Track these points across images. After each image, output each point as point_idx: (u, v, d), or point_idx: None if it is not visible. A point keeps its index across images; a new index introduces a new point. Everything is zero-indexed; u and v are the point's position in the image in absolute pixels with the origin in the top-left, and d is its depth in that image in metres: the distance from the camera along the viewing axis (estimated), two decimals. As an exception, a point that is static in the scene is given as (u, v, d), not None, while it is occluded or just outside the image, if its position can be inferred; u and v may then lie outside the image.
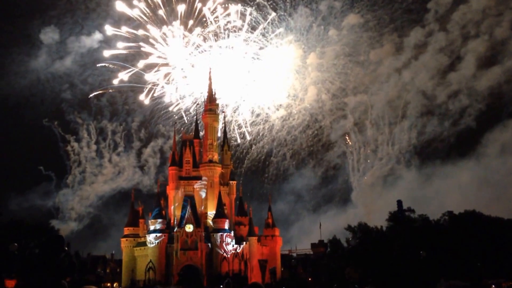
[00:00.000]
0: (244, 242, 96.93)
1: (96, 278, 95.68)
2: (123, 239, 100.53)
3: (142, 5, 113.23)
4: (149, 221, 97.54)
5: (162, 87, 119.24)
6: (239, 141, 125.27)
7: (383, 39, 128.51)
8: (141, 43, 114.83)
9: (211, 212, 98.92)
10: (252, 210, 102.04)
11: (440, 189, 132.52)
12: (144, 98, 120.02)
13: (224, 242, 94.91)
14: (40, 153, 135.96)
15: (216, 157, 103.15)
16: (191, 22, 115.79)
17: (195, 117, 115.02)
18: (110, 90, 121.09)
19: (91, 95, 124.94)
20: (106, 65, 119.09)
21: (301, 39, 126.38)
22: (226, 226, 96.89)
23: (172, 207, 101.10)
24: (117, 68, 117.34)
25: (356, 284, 65.92)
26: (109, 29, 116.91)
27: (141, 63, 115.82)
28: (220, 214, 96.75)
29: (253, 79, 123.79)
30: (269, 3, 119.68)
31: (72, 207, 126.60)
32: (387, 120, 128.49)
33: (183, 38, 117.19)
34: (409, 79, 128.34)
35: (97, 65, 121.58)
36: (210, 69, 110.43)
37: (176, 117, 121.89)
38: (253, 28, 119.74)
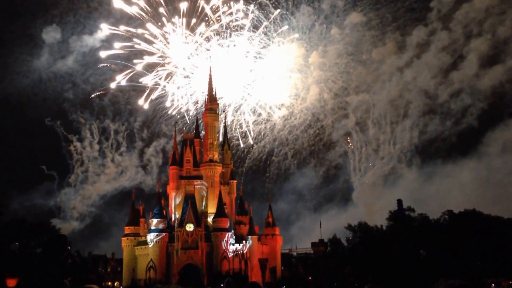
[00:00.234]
0: (245, 241, 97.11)
1: (97, 277, 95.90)
2: (124, 238, 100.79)
3: (143, 3, 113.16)
4: (150, 220, 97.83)
5: (164, 86, 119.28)
6: (240, 140, 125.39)
7: (385, 37, 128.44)
8: (143, 42, 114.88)
9: (212, 211, 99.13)
10: (252, 209, 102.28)
11: (441, 188, 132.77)
12: (143, 103, 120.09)
13: (225, 241, 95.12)
14: (43, 153, 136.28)
15: (216, 156, 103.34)
16: (193, 21, 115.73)
17: (195, 116, 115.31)
18: (111, 91, 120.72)
19: (92, 95, 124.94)
20: (107, 65, 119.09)
21: (303, 37, 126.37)
22: (227, 225, 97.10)
23: (173, 206, 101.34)
24: (119, 68, 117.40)
25: (356, 283, 66.09)
26: (108, 28, 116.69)
27: (142, 63, 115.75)
28: (220, 213, 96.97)
29: (255, 78, 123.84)
30: (271, 1, 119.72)
31: (73, 207, 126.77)
32: (389, 119, 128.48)
33: (185, 38, 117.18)
34: (411, 78, 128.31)
35: (99, 66, 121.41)
36: (211, 68, 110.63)
37: (178, 116, 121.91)
38: (255, 27, 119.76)
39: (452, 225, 70.45)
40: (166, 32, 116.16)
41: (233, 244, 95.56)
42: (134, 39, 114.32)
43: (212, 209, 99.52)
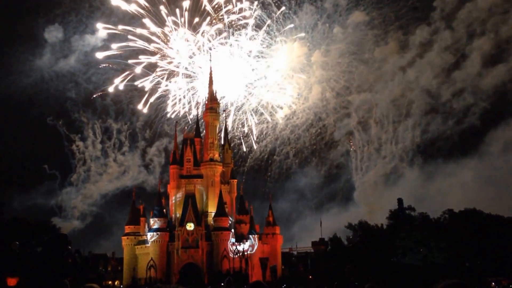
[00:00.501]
0: (245, 240, 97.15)
1: (98, 276, 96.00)
2: (124, 237, 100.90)
3: (144, 1, 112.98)
4: (150, 220, 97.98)
5: (166, 85, 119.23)
6: (242, 139, 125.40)
7: (388, 37, 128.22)
8: (144, 42, 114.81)
9: (212, 211, 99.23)
10: (254, 208, 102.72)
11: (442, 188, 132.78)
12: (142, 107, 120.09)
13: (225, 241, 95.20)
14: (44, 152, 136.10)
15: (217, 156, 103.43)
16: (195, 20, 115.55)
17: (196, 116, 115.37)
18: (111, 91, 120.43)
19: (94, 95, 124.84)
20: (108, 65, 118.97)
21: (305, 37, 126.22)
22: (227, 225, 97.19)
23: (173, 206, 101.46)
24: (121, 67, 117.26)
25: (356, 282, 66.14)
26: (103, 28, 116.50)
27: (143, 63, 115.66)
28: (221, 212, 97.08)
29: (257, 77, 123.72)
30: (274, 1, 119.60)
31: (74, 206, 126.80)
32: (391, 119, 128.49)
33: (187, 37, 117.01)
34: (414, 78, 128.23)
35: (100, 66, 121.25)
36: (211, 68, 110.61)
37: (179, 116, 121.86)
38: (257, 26, 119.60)
39: (452, 224, 70.47)
40: (168, 32, 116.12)
41: (233, 243, 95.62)
42: (135, 39, 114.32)
43: (212, 209, 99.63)
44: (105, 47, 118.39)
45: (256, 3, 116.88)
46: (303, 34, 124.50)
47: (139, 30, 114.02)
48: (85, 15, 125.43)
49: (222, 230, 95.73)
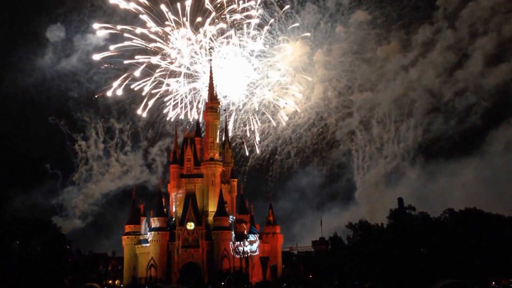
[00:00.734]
0: (245, 240, 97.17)
1: (98, 275, 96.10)
2: (125, 237, 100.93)
3: (145, 1, 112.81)
4: (151, 219, 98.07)
5: (167, 85, 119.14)
6: (244, 139, 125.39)
7: (390, 36, 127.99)
8: (145, 42, 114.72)
9: (212, 210, 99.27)
10: (255, 207, 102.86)
11: (444, 187, 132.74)
12: (141, 112, 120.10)
13: (225, 240, 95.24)
14: (46, 151, 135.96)
15: (217, 155, 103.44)
16: (198, 19, 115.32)
17: (197, 115, 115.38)
18: (109, 95, 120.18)
19: (96, 96, 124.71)
20: (109, 65, 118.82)
21: (308, 36, 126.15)
22: (227, 224, 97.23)
23: (174, 205, 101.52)
24: (122, 66, 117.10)
25: (356, 281, 66.13)
26: (99, 28, 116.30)
27: (144, 63, 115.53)
28: (221, 211, 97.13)
29: (259, 77, 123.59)
30: (276, 0, 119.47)
31: (76, 205, 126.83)
32: (393, 118, 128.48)
33: (188, 39, 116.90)
34: (416, 77, 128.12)
35: (102, 67, 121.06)
36: (211, 67, 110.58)
37: (181, 115, 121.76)
38: (260, 25, 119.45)
39: (452, 223, 70.45)
40: (169, 31, 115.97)
41: (233, 243, 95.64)
42: (136, 38, 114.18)
43: (212, 208, 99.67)
44: (106, 47, 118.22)
45: (258, 2, 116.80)
46: (308, 34, 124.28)
47: (140, 30, 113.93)
48: (87, 14, 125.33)
49: (223, 229, 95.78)
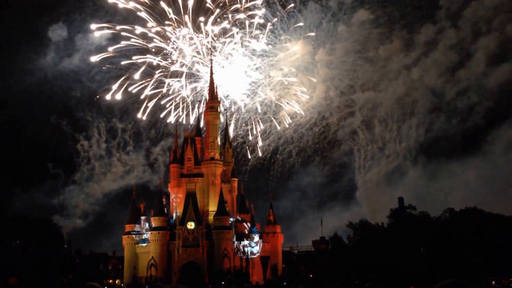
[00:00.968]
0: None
1: (98, 275, 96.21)
2: (125, 236, 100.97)
3: (146, 0, 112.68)
4: (151, 218, 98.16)
5: (169, 84, 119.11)
6: (245, 138, 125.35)
7: (392, 35, 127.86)
8: (145, 41, 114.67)
9: (213, 210, 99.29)
10: (256, 207, 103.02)
11: (445, 187, 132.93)
12: (141, 116, 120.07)
13: (226, 239, 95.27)
14: (49, 151, 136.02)
15: (217, 154, 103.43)
16: (201, 18, 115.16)
17: (197, 115, 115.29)
18: (110, 95, 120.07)
19: (98, 96, 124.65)
20: (110, 65, 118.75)
21: (310, 35, 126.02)
22: (228, 223, 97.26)
23: (174, 204, 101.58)
24: (124, 66, 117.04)
25: (356, 280, 66.20)
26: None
27: (145, 63, 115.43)
28: (221, 211, 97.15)
29: (261, 76, 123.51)
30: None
31: (77, 204, 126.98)
32: (395, 117, 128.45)
33: (190, 39, 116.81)
34: (418, 76, 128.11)
35: (104, 67, 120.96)
36: (212, 67, 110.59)
37: (182, 115, 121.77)
38: (262, 25, 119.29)
39: (453, 223, 70.45)
40: (171, 31, 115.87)
41: (234, 242, 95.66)
42: (137, 38, 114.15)
43: (213, 207, 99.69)
44: (107, 46, 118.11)
45: (261, 1, 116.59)
46: (312, 34, 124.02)
47: (141, 29, 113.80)
48: (89, 14, 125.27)
49: (223, 229, 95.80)
